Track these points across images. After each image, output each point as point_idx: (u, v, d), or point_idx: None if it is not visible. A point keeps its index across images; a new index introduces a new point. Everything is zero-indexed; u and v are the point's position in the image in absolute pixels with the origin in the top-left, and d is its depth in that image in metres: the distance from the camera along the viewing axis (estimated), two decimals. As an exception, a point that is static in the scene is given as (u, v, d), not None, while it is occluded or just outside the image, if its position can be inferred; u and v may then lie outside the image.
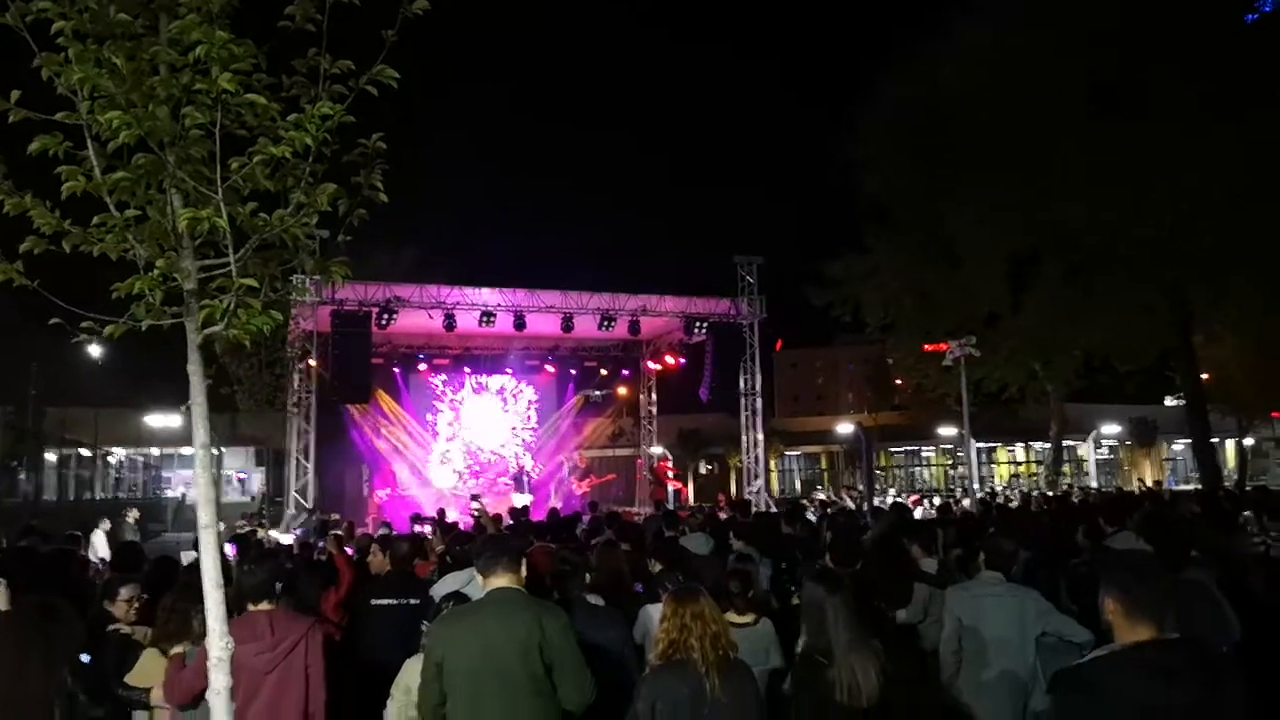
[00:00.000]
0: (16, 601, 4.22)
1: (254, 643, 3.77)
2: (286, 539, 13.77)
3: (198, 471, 3.13)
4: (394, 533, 8.71)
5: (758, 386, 21.59)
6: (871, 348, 42.53)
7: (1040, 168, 20.47)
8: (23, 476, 18.00)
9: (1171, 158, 18.66)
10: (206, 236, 2.93)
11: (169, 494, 30.07)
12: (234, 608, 3.27)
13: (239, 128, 2.91)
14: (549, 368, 24.29)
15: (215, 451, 14.04)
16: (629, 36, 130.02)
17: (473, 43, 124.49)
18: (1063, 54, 20.01)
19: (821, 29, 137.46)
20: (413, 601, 5.20)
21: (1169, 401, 36.73)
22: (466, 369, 23.90)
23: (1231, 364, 27.89)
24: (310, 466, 18.29)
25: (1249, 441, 35.28)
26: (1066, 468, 33.28)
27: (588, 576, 5.06)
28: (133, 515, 14.30)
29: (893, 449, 39.05)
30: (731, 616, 4.17)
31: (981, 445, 34.88)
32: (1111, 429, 36.26)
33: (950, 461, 37.75)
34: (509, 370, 24.21)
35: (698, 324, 20.19)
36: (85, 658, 3.92)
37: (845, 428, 30.58)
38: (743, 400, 21.55)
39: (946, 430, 32.13)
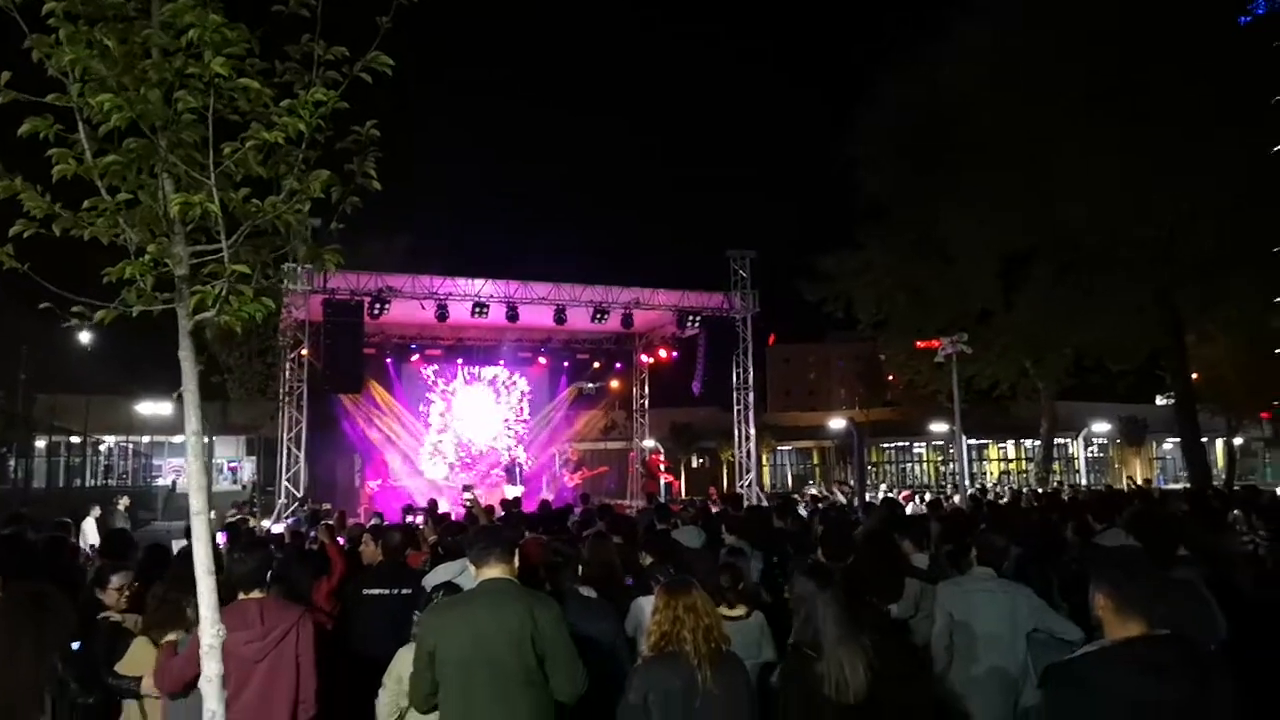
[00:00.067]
0: (7, 588, 4.19)
1: (244, 631, 3.75)
2: (278, 528, 13.74)
3: (189, 458, 3.12)
4: (385, 523, 8.69)
5: (750, 381, 21.62)
6: (864, 344, 42.66)
7: (1041, 169, 20.50)
8: (12, 463, 17.90)
9: (1173, 160, 18.70)
10: (198, 222, 2.91)
11: (159, 482, 29.99)
12: (225, 596, 3.26)
13: (232, 113, 2.89)
14: (542, 359, 24.27)
15: (206, 440, 14.03)
16: (626, 24, 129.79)
17: (467, 29, 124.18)
18: (1063, 55, 20.04)
19: (821, 25, 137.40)
20: (405, 591, 5.19)
21: (1159, 401, 36.95)
22: (459, 360, 23.85)
23: (1224, 363, 28.04)
24: (301, 456, 18.28)
25: (1238, 441, 35.52)
26: (1057, 465, 33.49)
27: (580, 569, 5.06)
28: (123, 503, 14.28)
29: (884, 445, 39.23)
30: (723, 610, 4.16)
31: (972, 442, 35.13)
32: (1102, 427, 36.51)
33: (941, 458, 37.93)
34: (501, 361, 24.14)
35: (691, 318, 20.16)
36: (76, 645, 3.91)
37: (837, 423, 30.74)
38: (735, 394, 21.57)
39: (938, 426, 32.28)
